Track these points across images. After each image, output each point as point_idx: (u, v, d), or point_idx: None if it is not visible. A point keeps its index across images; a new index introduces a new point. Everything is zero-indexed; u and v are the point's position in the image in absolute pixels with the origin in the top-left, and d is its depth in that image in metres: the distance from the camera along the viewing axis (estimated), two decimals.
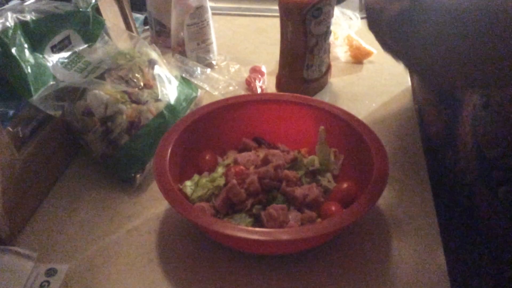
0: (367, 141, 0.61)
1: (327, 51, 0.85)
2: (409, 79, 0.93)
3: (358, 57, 0.98)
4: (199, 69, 0.88)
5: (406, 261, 0.57)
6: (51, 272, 0.56)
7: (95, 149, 0.68)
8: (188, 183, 0.62)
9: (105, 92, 0.68)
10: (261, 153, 0.65)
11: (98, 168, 0.71)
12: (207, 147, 0.68)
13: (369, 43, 0.98)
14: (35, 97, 0.64)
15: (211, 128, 0.69)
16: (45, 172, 0.67)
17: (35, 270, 0.55)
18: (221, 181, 0.62)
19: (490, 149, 0.53)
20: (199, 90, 0.83)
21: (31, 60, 0.65)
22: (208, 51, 0.95)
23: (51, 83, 0.67)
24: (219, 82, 0.88)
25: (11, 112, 0.63)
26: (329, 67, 0.88)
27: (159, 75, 0.74)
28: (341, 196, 0.61)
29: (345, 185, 0.62)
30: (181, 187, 0.62)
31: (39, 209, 0.65)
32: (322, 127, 0.66)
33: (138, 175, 0.67)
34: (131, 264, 0.57)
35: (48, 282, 0.55)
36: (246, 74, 0.92)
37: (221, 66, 0.95)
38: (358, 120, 0.65)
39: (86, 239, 0.61)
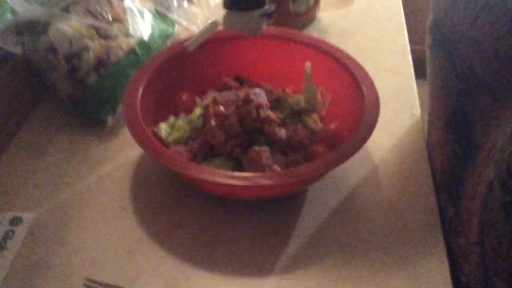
0: (358, 79, 0.56)
1: None
2: (402, 13, 0.87)
3: None
4: (175, 3, 0.81)
5: (395, 204, 0.54)
6: (15, 221, 0.52)
7: (61, 89, 0.62)
8: (163, 125, 0.58)
9: (70, 26, 0.61)
10: (242, 93, 0.60)
11: (67, 110, 0.66)
12: (184, 87, 0.63)
13: None
14: None
15: (188, 66, 0.63)
16: (9, 113, 0.62)
17: None
18: (199, 123, 0.57)
19: None
20: (176, 26, 0.76)
21: None
22: None
23: (9, 17, 0.61)
24: (198, 16, 0.81)
25: None
26: (317, 0, 0.82)
27: (130, 8, 0.67)
28: (328, 138, 0.57)
29: (332, 126, 0.58)
30: (155, 129, 0.57)
31: (4, 154, 0.61)
32: (308, 64, 0.61)
33: (109, 117, 0.62)
34: (103, 212, 0.54)
35: (12, 231, 0.51)
36: None
37: None
38: (347, 56, 0.60)
39: (55, 186, 0.57)
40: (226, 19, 0.53)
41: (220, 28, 0.54)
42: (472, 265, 0.46)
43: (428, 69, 0.59)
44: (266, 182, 0.48)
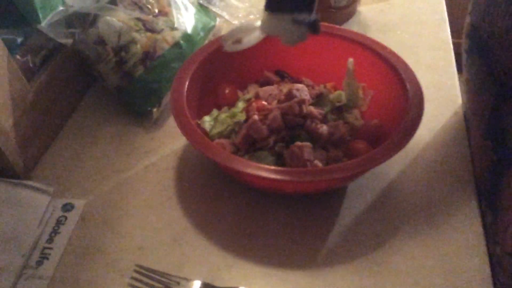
0: (402, 75, 0.56)
1: None
2: (444, 7, 0.85)
3: None
4: None
5: (437, 205, 0.54)
6: (68, 207, 0.55)
7: (109, 81, 0.65)
8: (207, 118, 0.59)
9: (118, 19, 0.63)
10: (284, 88, 0.61)
11: (114, 100, 0.68)
12: (227, 80, 0.64)
13: None
14: (44, 23, 0.60)
15: (231, 60, 0.64)
16: (59, 103, 0.64)
17: (52, 204, 0.54)
18: (242, 117, 0.58)
19: None
20: (218, 19, 0.77)
21: None
22: None
23: (61, 8, 0.63)
24: (239, 10, 0.82)
25: (19, 40, 0.59)
26: None
27: (174, 1, 0.69)
28: (369, 135, 0.57)
29: (374, 123, 0.58)
30: (199, 122, 0.59)
31: (54, 143, 0.63)
32: (350, 60, 0.61)
33: (154, 109, 0.64)
34: (149, 201, 0.56)
35: (65, 217, 0.54)
36: None
37: None
38: (391, 52, 0.59)
39: (103, 174, 0.59)
40: (263, 21, 0.49)
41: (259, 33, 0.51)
42: (507, 276, 0.46)
43: (465, 73, 0.58)
44: (308, 177, 0.49)
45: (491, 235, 0.50)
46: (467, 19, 0.57)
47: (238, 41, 0.52)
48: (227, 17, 0.81)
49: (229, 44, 0.53)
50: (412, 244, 0.51)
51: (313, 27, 0.47)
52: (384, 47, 0.60)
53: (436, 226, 0.52)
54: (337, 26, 0.66)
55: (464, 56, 0.58)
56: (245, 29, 0.53)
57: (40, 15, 0.59)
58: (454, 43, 0.77)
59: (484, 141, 0.54)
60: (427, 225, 0.52)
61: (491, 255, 0.49)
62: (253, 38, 0.52)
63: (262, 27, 0.50)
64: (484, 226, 0.52)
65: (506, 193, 0.48)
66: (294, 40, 0.48)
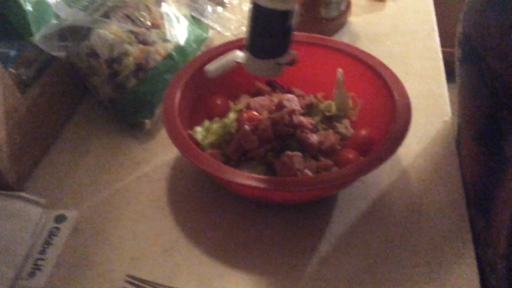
0: (389, 85, 0.57)
1: None
2: (434, 17, 0.86)
3: None
4: (210, 8, 0.83)
5: (426, 213, 0.55)
6: (60, 218, 0.55)
7: (102, 92, 0.65)
8: (198, 129, 0.60)
9: (111, 31, 0.64)
10: (275, 98, 0.62)
11: (106, 112, 0.69)
12: (218, 91, 0.65)
13: None
14: (37, 37, 0.60)
15: None
16: (51, 116, 0.65)
17: (44, 216, 0.55)
18: (233, 127, 0.59)
19: None
20: (210, 31, 0.78)
21: None
22: None
23: (54, 21, 0.64)
24: (231, 22, 0.83)
25: (12, 53, 0.60)
26: (348, 5, 0.83)
27: (167, 14, 0.70)
28: (359, 144, 0.58)
29: (363, 132, 0.59)
30: (191, 132, 0.59)
31: (47, 155, 0.64)
32: (339, 70, 0.62)
33: (147, 120, 0.65)
34: (142, 211, 0.56)
35: (57, 228, 0.54)
36: None
37: (233, 4, 0.89)
38: (379, 62, 0.61)
39: (96, 185, 0.59)
40: (247, 62, 0.54)
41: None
42: (499, 278, 0.47)
43: (458, 82, 0.59)
44: (298, 187, 0.49)
45: (482, 239, 0.51)
46: (459, 28, 0.58)
47: (219, 69, 0.57)
48: (219, 29, 0.82)
49: (212, 72, 0.57)
50: (402, 252, 0.51)
51: (292, 63, 0.54)
52: (372, 57, 0.61)
53: (426, 233, 0.53)
54: (327, 37, 0.67)
55: (456, 64, 0.59)
56: (225, 62, 0.57)
57: (33, 29, 0.60)
58: (443, 52, 0.78)
59: (478, 148, 0.55)
60: (417, 233, 0.53)
61: (480, 260, 0.50)
62: (229, 66, 0.57)
63: (248, 69, 0.55)
64: (474, 232, 0.52)
65: (500, 197, 0.48)
66: (276, 75, 0.55)
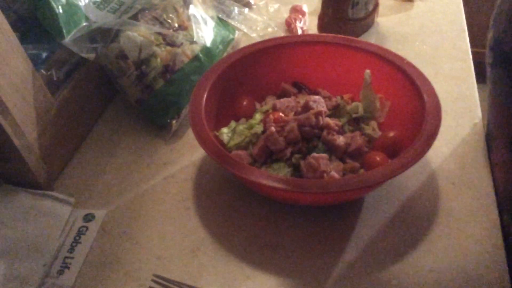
0: (419, 86, 0.56)
1: None
2: (463, 18, 0.85)
3: None
4: (236, 9, 0.83)
5: (456, 217, 0.54)
6: (89, 217, 0.56)
7: (130, 93, 0.66)
8: (224, 130, 0.60)
9: (139, 33, 0.65)
10: (301, 99, 0.62)
11: (134, 113, 0.70)
12: (245, 92, 0.65)
13: None
14: (68, 39, 0.62)
15: (248, 72, 0.65)
16: (81, 116, 0.66)
17: (73, 215, 0.56)
18: (259, 128, 0.59)
19: None
20: (236, 32, 0.78)
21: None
22: None
23: (84, 24, 0.65)
24: (258, 23, 0.83)
25: (44, 55, 0.61)
26: (376, 5, 0.82)
27: (194, 16, 0.70)
28: (386, 146, 0.57)
29: (391, 134, 0.58)
30: (217, 134, 0.59)
31: (76, 154, 0.65)
32: (367, 71, 0.61)
33: (174, 121, 0.65)
34: (168, 212, 0.57)
35: (86, 227, 0.55)
36: (286, 14, 0.86)
37: (260, 5, 0.89)
38: (408, 63, 0.59)
39: (123, 185, 0.60)
40: None
41: None
42: None
43: (489, 87, 0.58)
44: (325, 189, 0.49)
45: None
46: (490, 33, 0.57)
47: None
48: (245, 30, 0.82)
49: None
50: (431, 257, 0.50)
51: None
52: (401, 58, 0.60)
53: (455, 239, 0.52)
54: (354, 38, 0.66)
55: (488, 69, 0.58)
56: None
57: (64, 31, 0.61)
58: (473, 53, 0.77)
59: (510, 154, 0.53)
60: (446, 238, 0.52)
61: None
62: None
63: None
64: (506, 240, 0.51)
65: None
66: None
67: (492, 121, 0.59)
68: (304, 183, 0.50)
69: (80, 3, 0.66)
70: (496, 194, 0.55)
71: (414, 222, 0.54)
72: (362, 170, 0.55)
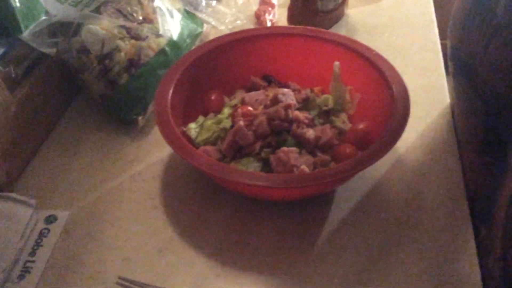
0: (388, 78, 0.55)
1: None
2: (432, 9, 0.85)
3: None
4: (204, 2, 0.82)
5: (426, 209, 0.53)
6: (51, 219, 0.54)
7: (93, 89, 0.64)
8: (192, 125, 0.58)
9: (102, 27, 0.62)
10: (271, 93, 0.60)
11: (99, 109, 0.68)
12: (213, 86, 0.63)
13: None
14: (26, 33, 0.59)
15: (217, 66, 0.64)
16: (42, 114, 0.64)
17: (34, 217, 0.53)
18: (228, 123, 0.57)
19: None
20: (205, 25, 0.77)
21: None
22: None
23: (43, 18, 0.62)
24: (226, 15, 0.81)
25: (1, 51, 0.58)
26: None
27: (160, 8, 0.68)
28: (357, 138, 0.56)
29: (361, 126, 0.57)
30: (185, 129, 0.58)
31: (38, 154, 0.62)
32: (336, 63, 0.60)
33: (140, 117, 0.63)
34: (135, 211, 0.55)
35: (47, 229, 0.53)
36: (255, 7, 0.85)
37: None
38: (377, 55, 0.59)
39: (88, 184, 0.58)
40: None
41: None
42: (496, 281, 0.46)
43: (453, 96, 0.59)
44: (295, 183, 0.48)
45: (483, 248, 0.49)
46: (448, 43, 0.58)
47: None
48: (214, 23, 0.81)
49: None
50: (402, 249, 0.50)
51: None
52: (370, 50, 0.60)
53: (426, 231, 0.51)
54: (323, 30, 0.66)
55: (450, 79, 0.59)
56: None
57: (22, 26, 0.59)
58: (442, 45, 0.77)
59: (480, 159, 0.53)
60: (417, 230, 0.51)
61: (482, 272, 0.48)
62: None
63: None
64: (477, 243, 0.51)
65: (500, 200, 0.47)
66: None
67: (459, 130, 0.60)
68: (274, 178, 0.49)
69: None
70: (468, 198, 0.55)
71: (385, 214, 0.53)
72: (333, 163, 0.55)
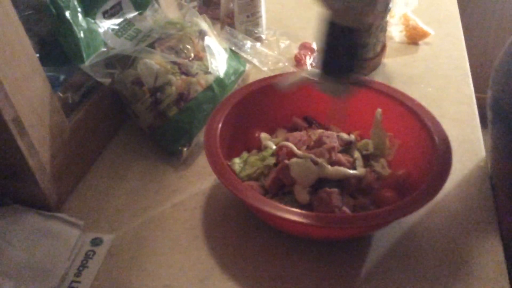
0: (429, 127, 0.57)
1: (384, 29, 0.81)
2: (467, 64, 0.87)
3: (414, 38, 0.93)
4: (249, 43, 0.85)
5: (462, 257, 0.54)
6: (96, 242, 0.55)
7: (143, 119, 0.67)
8: (237, 160, 0.61)
9: (156, 62, 0.66)
10: (313, 134, 0.63)
11: (145, 139, 0.70)
12: (256, 124, 0.66)
13: (426, 23, 0.92)
14: (86, 63, 0.63)
15: (261, 105, 0.66)
16: (93, 139, 0.67)
17: (81, 238, 0.55)
18: (271, 161, 0.59)
19: None
20: (247, 65, 0.80)
21: (84, 24, 0.63)
22: (257, 24, 0.92)
23: (102, 49, 0.66)
24: (268, 57, 0.85)
25: (62, 77, 0.62)
26: (384, 46, 0.84)
27: (209, 47, 0.72)
28: (396, 183, 0.58)
29: (401, 172, 0.59)
30: (229, 164, 0.60)
31: (86, 177, 0.65)
32: (379, 110, 0.62)
33: (184, 149, 0.66)
34: (177, 240, 0.56)
35: (93, 251, 0.54)
36: (295, 51, 0.88)
37: (271, 41, 0.92)
38: (418, 104, 0.61)
39: (132, 210, 0.60)
40: (318, 79, 0.55)
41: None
42: None
43: (490, 143, 0.60)
44: (337, 224, 0.49)
45: None
46: (489, 93, 0.60)
47: (292, 85, 0.60)
48: (257, 63, 0.84)
49: (285, 86, 0.60)
50: None
51: (359, 84, 0.54)
52: (411, 99, 0.62)
53: (460, 278, 0.52)
54: (366, 77, 0.68)
55: (489, 126, 0.61)
56: (298, 78, 0.59)
57: (84, 55, 0.62)
58: (477, 98, 0.79)
59: None
60: (452, 277, 0.52)
61: None
62: (302, 81, 0.59)
63: (319, 86, 0.55)
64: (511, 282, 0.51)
65: None
66: (343, 94, 0.55)
67: (495, 175, 0.61)
68: (317, 217, 0.50)
69: (100, 29, 0.67)
70: (503, 242, 0.56)
71: (420, 261, 0.54)
72: (372, 207, 0.56)
